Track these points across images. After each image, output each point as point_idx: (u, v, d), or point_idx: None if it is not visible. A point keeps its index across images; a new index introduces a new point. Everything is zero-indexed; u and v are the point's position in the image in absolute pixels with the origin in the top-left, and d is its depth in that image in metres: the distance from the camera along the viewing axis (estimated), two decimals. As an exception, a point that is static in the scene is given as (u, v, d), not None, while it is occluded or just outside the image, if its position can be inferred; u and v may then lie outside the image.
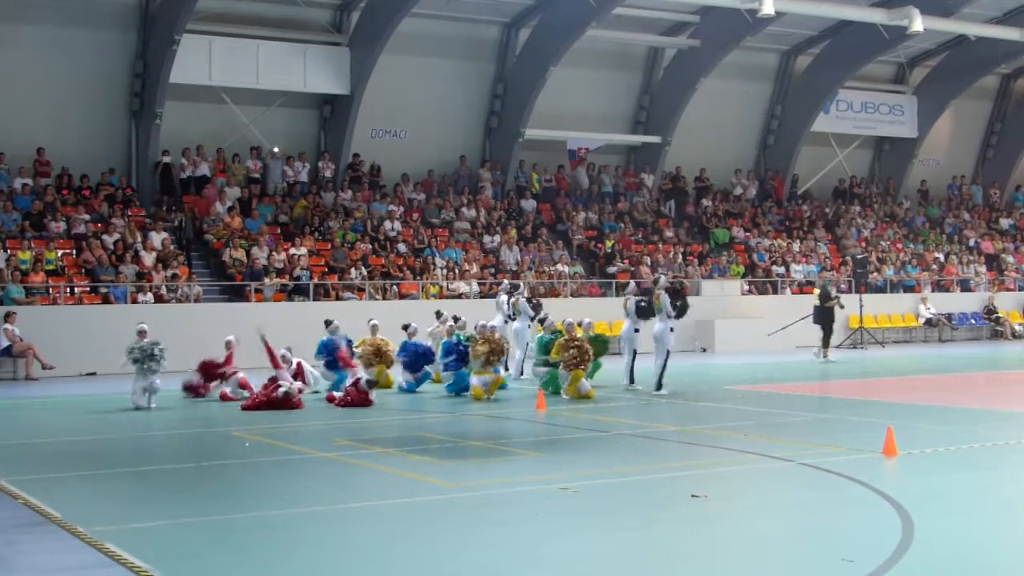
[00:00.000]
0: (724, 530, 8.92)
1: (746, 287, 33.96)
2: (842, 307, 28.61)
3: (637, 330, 19.83)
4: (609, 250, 33.54)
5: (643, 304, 19.64)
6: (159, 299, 26.28)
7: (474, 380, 18.91)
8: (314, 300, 27.58)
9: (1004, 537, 8.63)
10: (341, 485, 11.06)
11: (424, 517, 9.40)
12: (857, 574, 7.34)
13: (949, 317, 35.68)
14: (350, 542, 8.71)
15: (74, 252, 27.26)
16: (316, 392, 19.48)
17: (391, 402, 18.68)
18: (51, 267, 26.50)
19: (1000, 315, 36.02)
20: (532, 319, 22.19)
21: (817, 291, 28.68)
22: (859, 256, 34.15)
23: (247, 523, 9.30)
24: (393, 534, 8.86)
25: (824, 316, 27.45)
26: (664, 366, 19.04)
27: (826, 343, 27.17)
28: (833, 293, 28.19)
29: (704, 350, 31.13)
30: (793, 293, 34.58)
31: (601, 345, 20.91)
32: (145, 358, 17.92)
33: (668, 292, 19.37)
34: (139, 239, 27.71)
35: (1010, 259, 39.46)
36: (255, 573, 7.83)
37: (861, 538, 8.38)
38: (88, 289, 26.41)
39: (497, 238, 32.41)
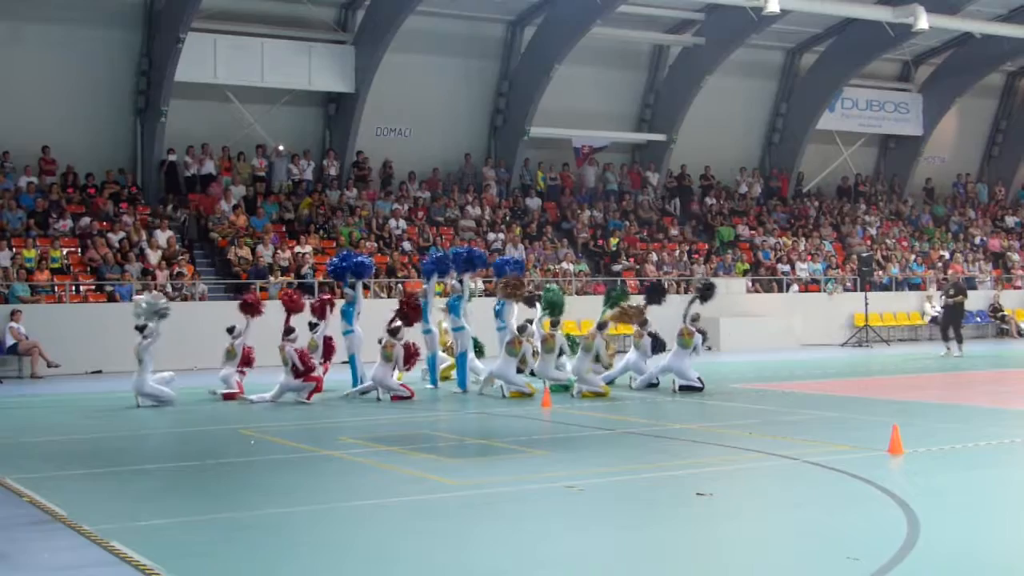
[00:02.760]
0: (729, 528, 8.91)
1: (751, 285, 33.94)
2: (945, 303, 28.63)
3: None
4: (614, 248, 33.53)
5: (658, 341, 19.69)
6: (164, 297, 26.25)
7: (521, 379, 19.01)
8: (319, 298, 27.55)
9: (1010, 536, 8.61)
10: (346, 483, 11.07)
11: (429, 515, 9.39)
12: (862, 572, 7.33)
13: (955, 315, 35.57)
14: (355, 540, 8.71)
15: (79, 250, 27.28)
16: None
17: (395, 400, 18.68)
18: (56, 265, 26.54)
19: (1006, 313, 35.96)
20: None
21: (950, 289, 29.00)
22: (864, 254, 34.12)
23: (252, 521, 9.30)
24: (398, 532, 8.86)
25: (952, 312, 27.97)
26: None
27: (959, 339, 27.65)
28: (952, 291, 28.46)
29: (709, 348, 31.04)
30: (800, 291, 34.56)
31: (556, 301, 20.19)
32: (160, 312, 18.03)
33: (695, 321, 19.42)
34: (144, 237, 27.74)
35: (1016, 257, 39.41)
36: (260, 571, 7.83)
37: (866, 536, 8.36)
38: (93, 287, 26.44)
39: (502, 236, 32.40)
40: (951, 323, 27.84)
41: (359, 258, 20.40)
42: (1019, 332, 35.58)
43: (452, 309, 20.02)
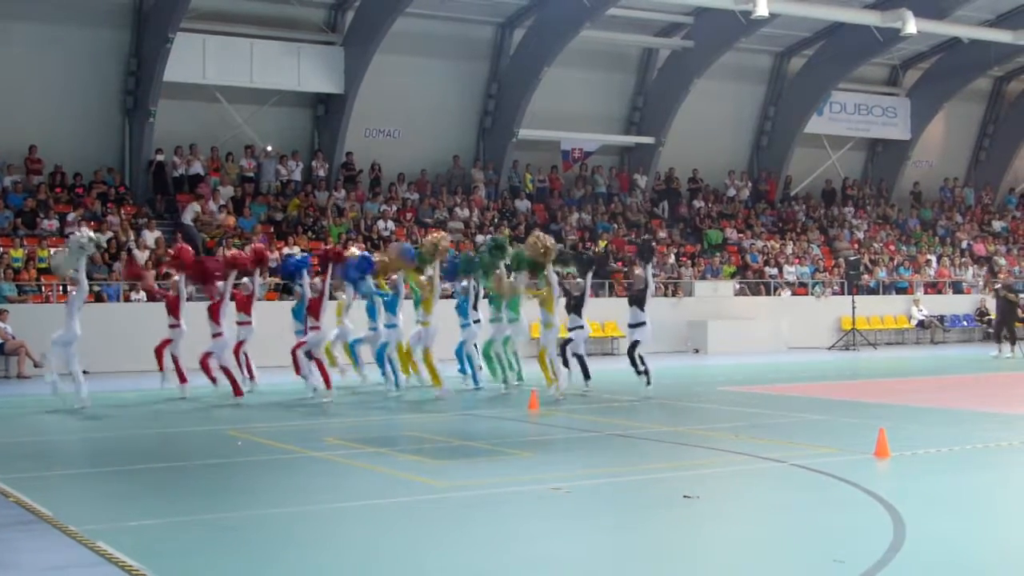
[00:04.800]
0: (715, 531, 8.92)
1: (738, 287, 33.99)
2: (1003, 299, 28.92)
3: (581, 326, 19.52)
4: (602, 251, 33.52)
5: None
6: (152, 298, 26.19)
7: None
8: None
9: (996, 538, 8.65)
10: (332, 484, 11.05)
11: (415, 517, 9.39)
12: (848, 575, 7.35)
13: (941, 319, 35.76)
14: (341, 541, 8.70)
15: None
16: None
17: (383, 401, 18.67)
18: (43, 265, 26.43)
19: (992, 317, 36.02)
20: None
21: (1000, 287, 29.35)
22: (852, 258, 34.21)
23: (239, 522, 9.30)
24: (384, 534, 8.86)
25: (1007, 312, 28.39)
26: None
27: (1012, 340, 28.15)
28: (1001, 288, 28.80)
29: (697, 351, 31.17)
30: (794, 294, 34.62)
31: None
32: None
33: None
34: (132, 237, 27.67)
35: (1002, 261, 39.53)
36: (246, 572, 7.83)
37: (852, 539, 8.39)
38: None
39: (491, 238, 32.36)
40: (1005, 323, 28.33)
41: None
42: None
43: (389, 307, 19.55)
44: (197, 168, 30.79)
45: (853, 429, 14.36)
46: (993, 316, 35.80)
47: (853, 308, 32.22)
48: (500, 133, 34.93)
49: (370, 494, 10.46)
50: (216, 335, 18.45)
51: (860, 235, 38.98)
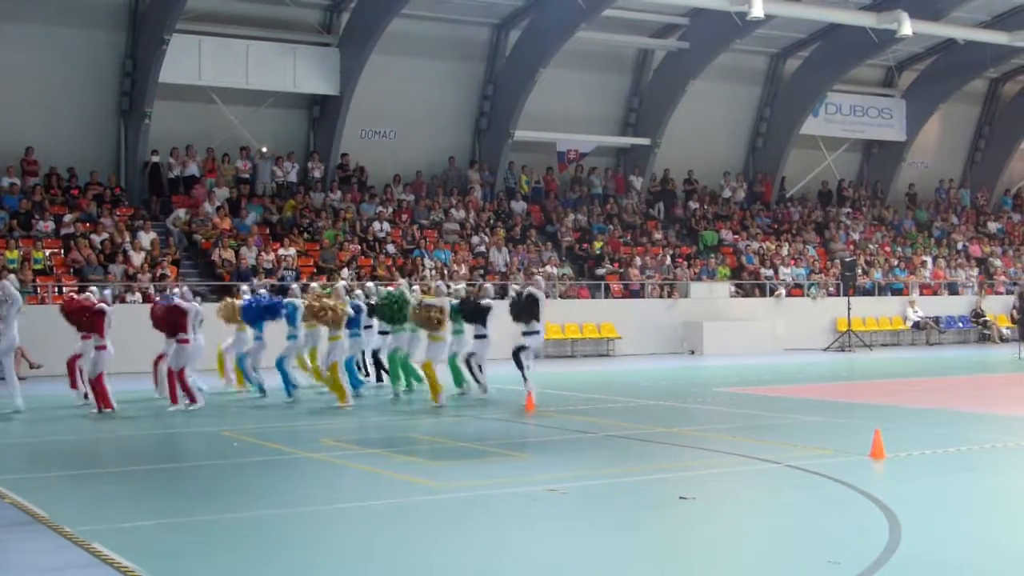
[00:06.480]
0: (711, 531, 8.93)
1: (734, 289, 33.99)
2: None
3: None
4: (598, 252, 33.55)
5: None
6: (147, 299, 26.18)
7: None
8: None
9: (991, 539, 8.66)
10: (328, 485, 11.06)
11: (411, 518, 9.40)
12: (844, 576, 7.37)
13: (937, 320, 35.78)
14: (337, 542, 8.71)
15: (62, 252, 27.18)
16: None
17: (377, 403, 18.66)
18: (39, 266, 26.43)
19: (987, 318, 36.12)
20: None
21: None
22: (847, 259, 34.23)
23: (234, 523, 9.30)
24: (380, 534, 8.86)
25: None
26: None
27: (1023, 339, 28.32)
28: (1020, 286, 28.98)
29: (692, 352, 31.19)
30: (790, 295, 34.63)
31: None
32: None
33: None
34: (128, 239, 27.65)
35: (998, 263, 39.57)
36: (242, 573, 7.83)
37: (848, 540, 8.41)
38: (76, 289, 26.30)
39: (486, 239, 32.40)
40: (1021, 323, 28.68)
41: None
42: (1000, 337, 35.72)
43: (290, 319, 19.01)
44: (193, 169, 30.76)
45: (849, 430, 14.37)
46: (989, 317, 36.05)
47: (849, 309, 32.25)
48: (496, 134, 34.91)
49: (366, 495, 10.46)
50: (99, 347, 18.22)
51: (856, 236, 38.98)
